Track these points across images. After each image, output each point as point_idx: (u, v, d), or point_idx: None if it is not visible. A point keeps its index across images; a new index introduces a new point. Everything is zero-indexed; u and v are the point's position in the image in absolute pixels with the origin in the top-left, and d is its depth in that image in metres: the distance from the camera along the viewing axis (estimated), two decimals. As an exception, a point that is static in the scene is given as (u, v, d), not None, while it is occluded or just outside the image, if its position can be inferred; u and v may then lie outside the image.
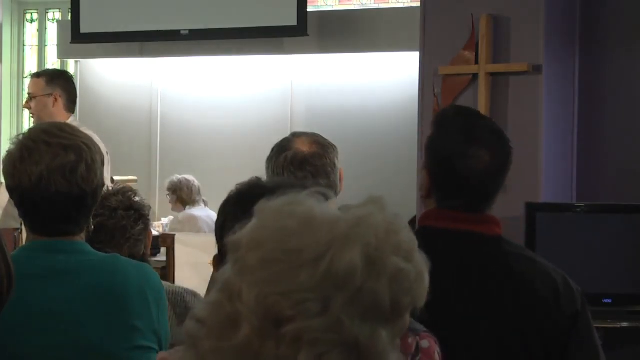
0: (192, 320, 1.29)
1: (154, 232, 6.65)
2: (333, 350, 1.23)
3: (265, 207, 1.30)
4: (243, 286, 1.24)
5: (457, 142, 2.52)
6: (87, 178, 2.35)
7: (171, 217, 7.37)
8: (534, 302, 2.31)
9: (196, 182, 7.29)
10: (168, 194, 7.35)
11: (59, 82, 5.44)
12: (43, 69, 8.27)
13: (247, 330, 1.23)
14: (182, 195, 7.27)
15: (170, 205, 7.40)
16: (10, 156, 2.37)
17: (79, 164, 2.34)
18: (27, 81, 8.35)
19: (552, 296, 2.34)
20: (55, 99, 5.38)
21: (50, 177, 2.31)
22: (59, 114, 5.38)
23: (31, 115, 5.49)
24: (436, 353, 2.05)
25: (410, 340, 2.03)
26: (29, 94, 5.43)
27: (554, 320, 2.32)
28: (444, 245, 2.30)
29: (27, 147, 2.34)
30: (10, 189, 2.37)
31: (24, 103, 5.47)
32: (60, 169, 2.32)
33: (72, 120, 5.31)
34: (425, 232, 2.36)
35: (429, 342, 2.06)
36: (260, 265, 1.25)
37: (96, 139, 5.02)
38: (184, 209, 7.20)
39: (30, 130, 2.45)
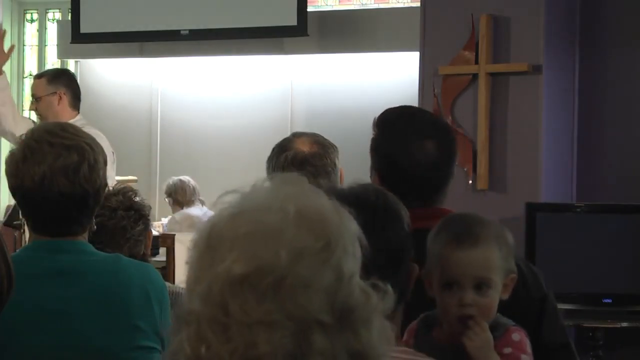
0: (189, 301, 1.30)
1: (154, 232, 6.67)
2: None
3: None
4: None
5: (398, 138, 2.56)
6: (90, 178, 2.35)
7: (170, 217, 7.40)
8: None
9: (192, 183, 7.31)
10: (166, 198, 7.37)
11: (61, 80, 5.45)
12: (43, 69, 8.27)
13: None
14: (178, 198, 7.30)
15: (169, 206, 7.42)
16: (13, 156, 2.37)
17: (81, 164, 2.34)
18: (27, 81, 8.35)
19: (520, 283, 2.36)
20: (60, 97, 5.39)
21: (53, 177, 2.32)
22: (64, 112, 5.39)
23: (38, 116, 5.48)
24: (527, 346, 2.07)
25: (514, 335, 2.06)
26: (32, 95, 5.43)
27: (525, 305, 2.33)
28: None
29: (30, 147, 2.34)
30: (12, 188, 2.38)
31: (29, 106, 5.46)
32: (63, 169, 2.32)
33: (79, 119, 5.33)
34: (419, 235, 2.37)
35: (519, 335, 2.08)
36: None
37: (102, 137, 5.08)
38: (182, 210, 7.23)
39: (33, 130, 2.46)
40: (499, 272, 2.08)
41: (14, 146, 2.42)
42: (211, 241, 1.29)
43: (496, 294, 2.07)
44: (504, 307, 2.22)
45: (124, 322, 2.32)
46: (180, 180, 7.32)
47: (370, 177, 2.67)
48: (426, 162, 2.50)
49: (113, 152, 5.21)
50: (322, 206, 1.30)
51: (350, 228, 1.31)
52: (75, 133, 2.39)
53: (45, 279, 2.32)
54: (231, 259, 1.26)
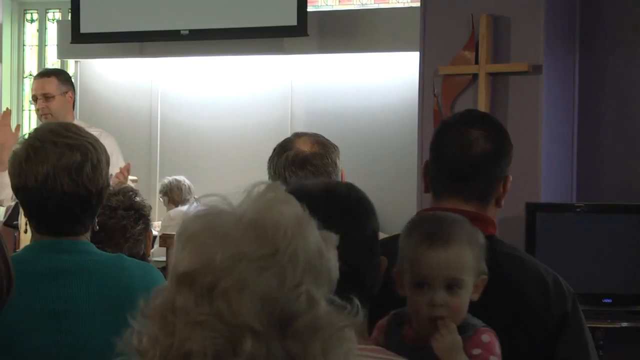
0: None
1: (154, 232, 6.67)
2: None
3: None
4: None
5: (448, 125, 2.53)
6: (93, 178, 2.36)
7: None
8: (522, 302, 2.31)
9: (186, 182, 7.34)
10: (161, 197, 7.39)
11: (70, 80, 5.54)
12: (40, 69, 8.27)
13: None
14: (174, 196, 7.32)
15: (164, 205, 7.43)
16: (16, 156, 2.37)
17: (84, 163, 2.34)
18: (27, 81, 8.35)
19: (541, 297, 2.33)
20: (70, 97, 5.47)
21: (57, 176, 2.32)
22: (70, 112, 5.48)
23: (45, 115, 5.47)
24: (497, 347, 2.06)
25: (484, 337, 2.05)
26: (44, 94, 5.43)
27: (542, 321, 2.31)
28: None
29: (33, 147, 2.35)
30: (16, 188, 2.38)
31: (38, 103, 5.46)
32: (67, 168, 2.33)
33: (78, 120, 5.37)
34: None
35: (489, 337, 2.07)
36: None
37: (104, 135, 5.12)
38: (177, 208, 7.26)
39: (36, 129, 2.46)
40: (470, 273, 2.08)
41: (18, 145, 2.41)
42: (177, 237, 1.33)
43: (467, 295, 2.07)
44: (519, 319, 2.21)
45: (125, 322, 2.32)
46: (176, 179, 7.36)
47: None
48: (460, 146, 2.44)
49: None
50: (281, 218, 1.31)
51: (308, 240, 1.31)
52: (78, 133, 2.40)
53: (48, 279, 2.32)
54: (181, 256, 1.29)
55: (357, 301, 1.33)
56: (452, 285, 2.06)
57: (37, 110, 5.54)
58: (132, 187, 3.42)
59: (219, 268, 1.26)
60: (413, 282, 2.07)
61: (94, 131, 5.65)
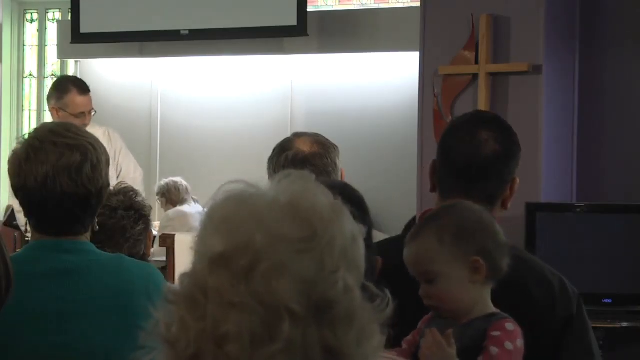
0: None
1: (154, 232, 6.67)
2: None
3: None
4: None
5: (457, 126, 2.53)
6: (93, 178, 2.36)
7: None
8: (528, 303, 2.31)
9: (184, 183, 7.34)
10: (158, 199, 7.38)
11: None
12: (43, 69, 8.28)
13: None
14: (172, 197, 7.32)
15: (162, 207, 7.41)
16: (16, 155, 2.37)
17: (84, 163, 2.35)
18: (27, 81, 8.36)
19: (546, 298, 2.33)
20: None
21: (56, 176, 2.32)
22: None
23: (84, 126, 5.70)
24: (518, 339, 2.10)
25: (508, 325, 2.09)
26: (89, 110, 5.70)
27: (547, 323, 2.31)
28: None
29: (33, 147, 2.35)
30: (15, 188, 2.38)
31: (83, 119, 5.67)
32: (66, 168, 2.33)
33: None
34: None
35: (513, 326, 2.10)
36: None
37: (111, 131, 5.26)
38: (175, 208, 7.26)
39: (36, 130, 2.46)
40: (442, 262, 2.12)
41: (18, 145, 2.41)
42: (205, 220, 1.31)
43: (448, 283, 2.11)
44: (524, 320, 2.22)
45: (126, 322, 2.32)
46: (173, 180, 7.35)
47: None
48: (470, 148, 2.44)
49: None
50: (316, 200, 1.29)
51: (344, 226, 1.30)
52: (78, 133, 2.40)
53: (47, 279, 2.32)
54: (215, 238, 1.27)
55: (388, 294, 1.32)
56: (427, 278, 2.13)
57: (81, 125, 5.65)
58: (132, 187, 3.42)
59: (258, 249, 1.24)
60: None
61: (100, 129, 5.75)
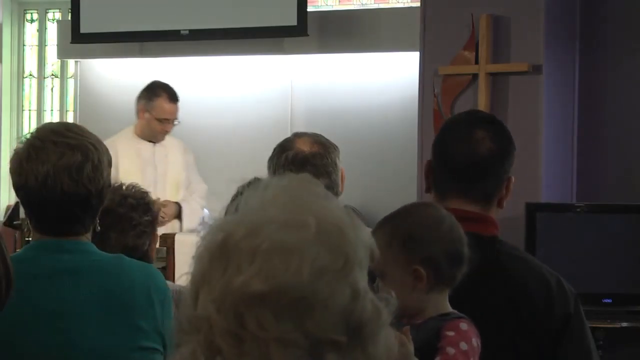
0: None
1: (154, 232, 6.66)
2: None
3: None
4: None
5: (452, 127, 2.53)
6: (93, 178, 2.36)
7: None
8: (526, 303, 2.31)
9: None
10: None
11: None
12: (43, 69, 8.27)
13: None
14: None
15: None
16: (17, 155, 2.37)
17: (85, 164, 2.35)
18: (27, 81, 8.35)
19: (543, 298, 2.34)
20: None
21: (57, 176, 2.32)
22: None
23: (161, 134, 6.00)
24: (472, 339, 2.11)
25: (462, 325, 2.08)
26: (175, 119, 5.95)
27: (544, 322, 2.31)
28: None
29: (34, 146, 2.35)
30: (16, 187, 2.38)
31: (168, 127, 5.95)
32: (67, 168, 2.33)
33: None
34: None
35: (467, 326, 2.12)
36: None
37: (181, 147, 5.45)
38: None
39: (38, 129, 2.46)
40: (388, 263, 2.13)
41: (19, 145, 2.41)
42: (227, 250, 1.26)
43: (392, 284, 2.13)
44: (522, 320, 2.22)
45: (126, 322, 2.32)
46: None
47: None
48: (467, 149, 2.45)
49: None
50: (340, 219, 1.28)
51: (364, 240, 1.30)
52: (80, 133, 2.40)
53: (47, 279, 2.32)
54: (249, 274, 1.23)
55: (393, 293, 1.34)
56: (378, 274, 2.14)
57: (162, 131, 5.96)
58: (145, 189, 3.45)
59: (304, 285, 1.23)
60: None
61: (177, 141, 6.13)
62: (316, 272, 1.23)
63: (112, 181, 6.38)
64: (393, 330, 1.31)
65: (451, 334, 2.09)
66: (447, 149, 2.49)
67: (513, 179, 2.50)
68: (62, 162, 2.33)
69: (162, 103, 5.89)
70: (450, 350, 2.06)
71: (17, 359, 2.29)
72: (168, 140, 6.11)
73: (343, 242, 1.26)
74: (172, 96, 5.93)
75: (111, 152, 6.49)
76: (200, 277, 1.28)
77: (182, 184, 6.08)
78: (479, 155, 2.44)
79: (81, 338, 2.30)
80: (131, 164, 5.99)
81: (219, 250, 1.27)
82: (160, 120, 5.88)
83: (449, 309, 2.16)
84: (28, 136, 2.40)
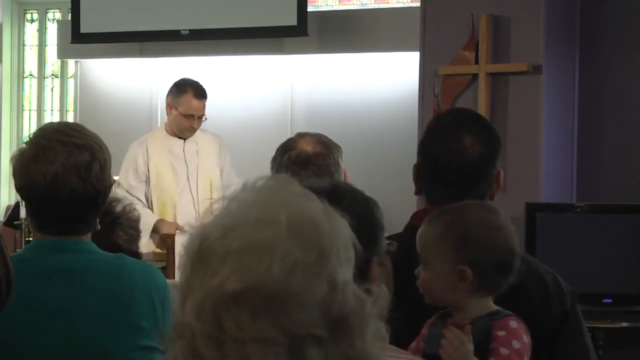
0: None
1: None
2: None
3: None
4: None
5: (439, 131, 2.54)
6: (100, 177, 2.36)
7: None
8: (523, 303, 2.32)
9: None
10: None
11: None
12: (43, 69, 8.27)
13: None
14: None
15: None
16: (23, 155, 2.36)
17: (92, 163, 2.35)
18: (27, 81, 8.36)
19: (541, 297, 2.35)
20: None
21: (66, 176, 2.32)
22: None
23: (188, 130, 5.98)
24: (523, 336, 2.12)
25: (511, 323, 2.10)
26: (200, 116, 5.96)
27: (542, 320, 2.33)
28: None
29: (41, 146, 2.34)
30: (22, 187, 2.36)
31: (195, 123, 5.97)
32: (75, 167, 2.33)
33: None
34: (414, 231, 2.37)
35: (516, 323, 2.13)
36: None
37: (217, 144, 5.44)
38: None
39: (41, 129, 2.45)
40: (435, 255, 2.15)
41: (24, 145, 2.41)
42: (203, 253, 1.26)
43: (433, 276, 2.14)
44: (523, 317, 2.23)
45: (127, 321, 2.32)
46: None
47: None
48: (457, 155, 2.46)
49: None
50: (314, 214, 1.27)
51: (342, 233, 1.28)
52: (83, 132, 2.41)
53: (50, 278, 2.33)
54: (224, 275, 1.23)
55: (382, 289, 1.31)
56: (423, 261, 2.18)
57: (189, 127, 5.95)
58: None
59: (276, 282, 1.22)
60: None
61: (212, 137, 6.14)
62: (288, 267, 1.23)
63: (144, 179, 6.39)
64: (385, 325, 1.30)
65: (502, 333, 2.09)
66: (436, 155, 2.51)
67: (502, 171, 2.53)
68: (71, 162, 2.33)
69: (189, 99, 5.94)
70: (504, 351, 2.06)
71: (21, 358, 2.29)
72: (201, 135, 6.12)
73: (317, 235, 1.25)
74: (199, 93, 5.99)
75: (142, 150, 6.44)
76: (186, 285, 1.28)
77: (215, 181, 6.07)
78: (470, 164, 2.47)
79: (83, 338, 2.31)
80: (161, 161, 6.03)
81: (197, 255, 1.27)
82: (186, 116, 5.92)
83: (494, 306, 2.16)
84: (30, 137, 2.40)
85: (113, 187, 2.53)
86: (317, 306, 1.23)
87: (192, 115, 5.93)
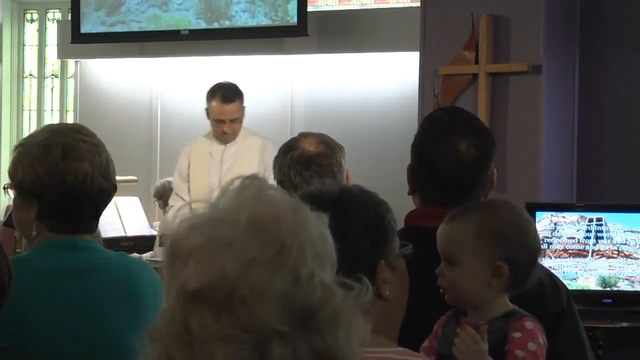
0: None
1: (154, 232, 6.65)
2: None
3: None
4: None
5: (434, 135, 2.55)
6: (114, 177, 2.40)
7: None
8: (520, 302, 2.32)
9: None
10: (155, 201, 7.27)
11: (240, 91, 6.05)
12: (43, 69, 8.28)
13: None
14: (168, 198, 7.23)
15: (159, 209, 7.31)
16: (47, 154, 2.34)
17: (110, 162, 2.40)
18: (27, 81, 8.36)
19: (538, 296, 2.35)
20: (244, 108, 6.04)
21: (94, 175, 2.34)
22: None
23: (224, 134, 5.97)
24: (539, 336, 2.10)
25: (527, 324, 2.09)
26: (232, 119, 5.93)
27: (539, 318, 2.33)
28: (427, 245, 2.22)
29: (68, 145, 2.34)
30: (45, 187, 2.32)
31: (225, 127, 5.96)
32: (99, 167, 2.36)
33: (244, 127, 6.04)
34: (410, 231, 2.38)
35: (532, 324, 2.12)
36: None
37: (261, 147, 5.77)
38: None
39: (52, 130, 2.43)
40: (467, 252, 2.12)
41: (36, 145, 2.39)
42: (173, 253, 1.27)
43: (463, 273, 2.12)
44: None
45: (138, 317, 2.34)
46: (168, 181, 7.27)
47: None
48: (454, 161, 2.47)
49: None
50: (276, 209, 1.27)
51: (309, 227, 1.28)
52: (92, 133, 2.44)
53: (67, 277, 2.34)
54: (186, 274, 1.24)
55: (366, 281, 1.30)
56: (448, 259, 2.14)
57: (221, 132, 5.95)
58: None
59: (233, 278, 1.22)
60: None
61: (259, 139, 6.03)
62: (244, 263, 1.22)
63: (187, 179, 6.38)
64: (366, 323, 1.28)
65: (518, 335, 2.08)
66: (430, 161, 2.51)
67: (495, 170, 2.54)
68: (96, 161, 2.36)
69: (215, 105, 5.97)
70: (520, 353, 2.05)
71: (45, 356, 2.30)
72: (248, 138, 6.11)
73: (276, 230, 1.25)
74: (225, 97, 5.97)
75: (188, 152, 6.42)
76: (166, 287, 1.29)
77: None
78: (465, 169, 2.48)
79: (104, 335, 2.33)
80: (199, 163, 6.10)
81: (168, 256, 1.28)
82: (217, 121, 5.96)
83: (511, 305, 2.15)
84: (40, 138, 2.38)
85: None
86: (278, 301, 1.22)
87: (223, 120, 5.93)
